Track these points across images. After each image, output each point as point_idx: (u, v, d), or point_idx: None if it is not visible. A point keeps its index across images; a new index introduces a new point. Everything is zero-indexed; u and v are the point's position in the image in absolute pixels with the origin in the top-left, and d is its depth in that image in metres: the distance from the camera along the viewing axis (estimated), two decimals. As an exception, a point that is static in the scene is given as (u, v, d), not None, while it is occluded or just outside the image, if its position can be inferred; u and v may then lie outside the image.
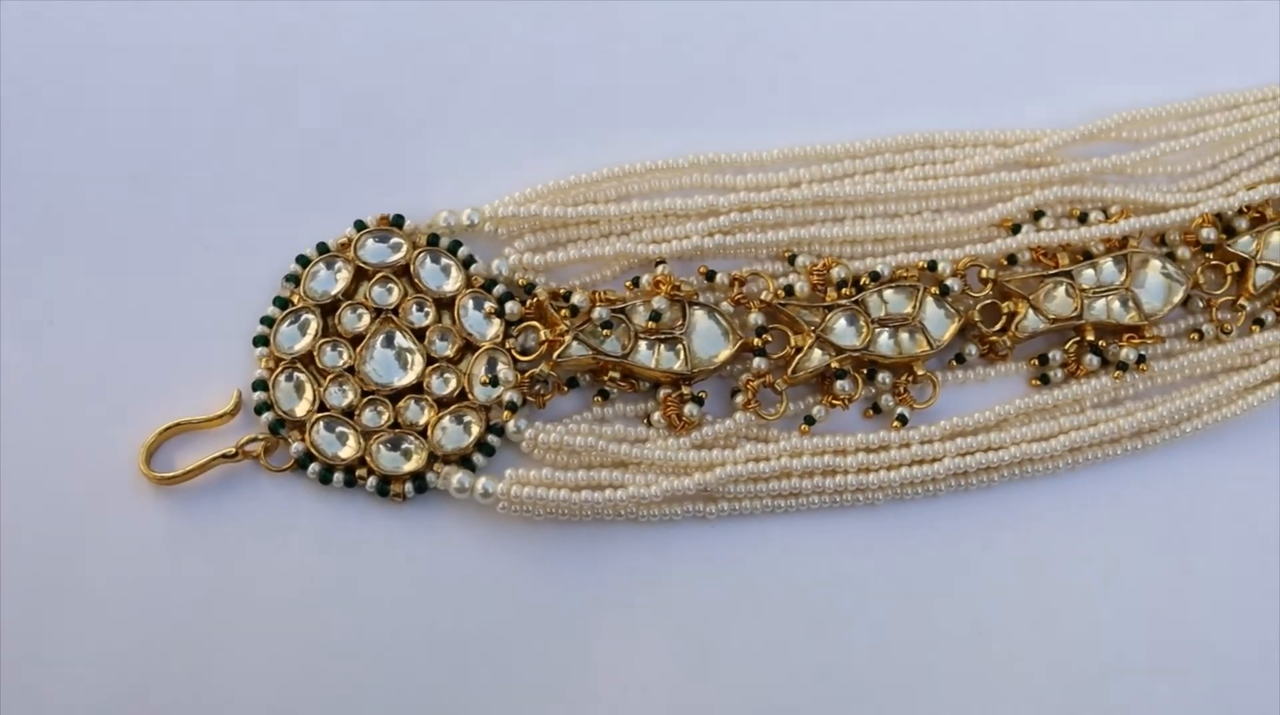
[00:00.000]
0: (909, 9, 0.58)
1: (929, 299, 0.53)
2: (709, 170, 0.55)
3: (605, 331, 0.52)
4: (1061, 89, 0.58)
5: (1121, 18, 0.59)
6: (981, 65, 0.58)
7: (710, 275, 0.54)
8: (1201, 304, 0.56)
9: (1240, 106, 0.58)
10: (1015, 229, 0.55)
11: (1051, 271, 0.54)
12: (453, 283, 0.53)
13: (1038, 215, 0.55)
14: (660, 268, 0.53)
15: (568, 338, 0.52)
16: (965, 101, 0.57)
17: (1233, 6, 0.59)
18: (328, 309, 0.52)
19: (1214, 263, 0.56)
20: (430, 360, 0.52)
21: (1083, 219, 0.56)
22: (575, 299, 0.52)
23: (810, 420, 0.53)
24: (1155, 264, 0.55)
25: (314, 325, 0.52)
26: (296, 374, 0.52)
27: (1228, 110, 0.58)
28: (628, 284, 0.53)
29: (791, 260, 0.54)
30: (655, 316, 0.52)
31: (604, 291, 0.53)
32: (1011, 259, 0.55)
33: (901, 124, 0.57)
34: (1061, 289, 0.54)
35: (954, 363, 0.54)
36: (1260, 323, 0.56)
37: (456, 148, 0.55)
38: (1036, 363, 0.54)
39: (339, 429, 0.51)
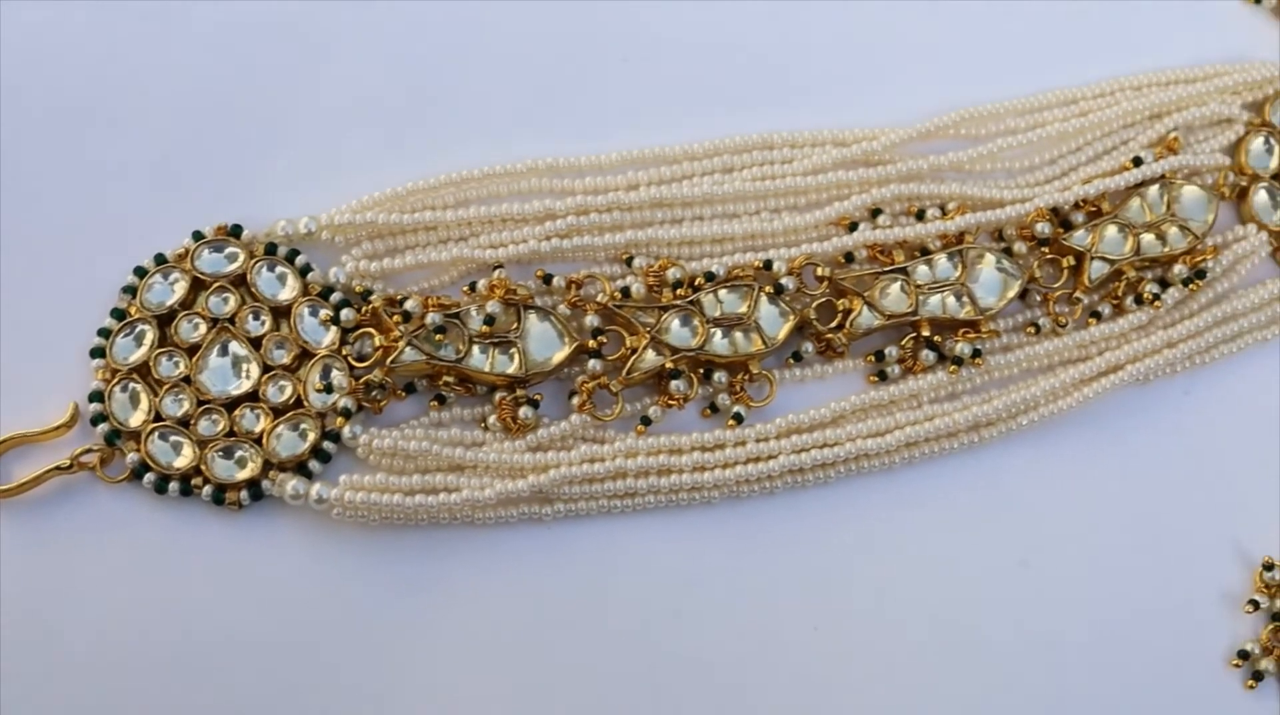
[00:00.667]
0: (747, 10, 0.58)
1: (763, 298, 0.54)
2: (547, 175, 0.55)
3: (439, 336, 0.52)
4: (902, 88, 0.58)
5: (961, 17, 0.59)
6: (821, 66, 0.58)
7: (547, 279, 0.54)
8: (1039, 298, 0.57)
9: (1078, 102, 0.59)
10: (853, 227, 0.56)
11: (887, 268, 0.55)
12: (289, 291, 0.53)
13: (875, 213, 0.56)
14: (497, 272, 0.54)
15: (401, 343, 0.52)
16: (806, 102, 0.58)
17: (1070, 5, 0.60)
18: (165, 320, 0.53)
19: (1050, 257, 0.56)
20: (266, 368, 0.52)
21: (920, 216, 0.56)
22: (409, 305, 0.53)
23: (646, 420, 0.53)
24: (990, 259, 0.55)
25: (150, 336, 0.52)
26: (132, 385, 0.52)
27: (1065, 106, 0.59)
28: (465, 289, 0.54)
29: (629, 262, 0.55)
30: (490, 321, 0.52)
31: (438, 297, 0.53)
32: (849, 257, 0.55)
33: (742, 125, 0.57)
34: (896, 286, 0.55)
35: (791, 361, 0.55)
36: (1097, 315, 0.56)
37: (299, 157, 0.55)
38: (873, 359, 0.55)
39: (174, 438, 0.51)
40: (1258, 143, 0.59)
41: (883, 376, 0.55)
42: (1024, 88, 0.59)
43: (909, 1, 0.59)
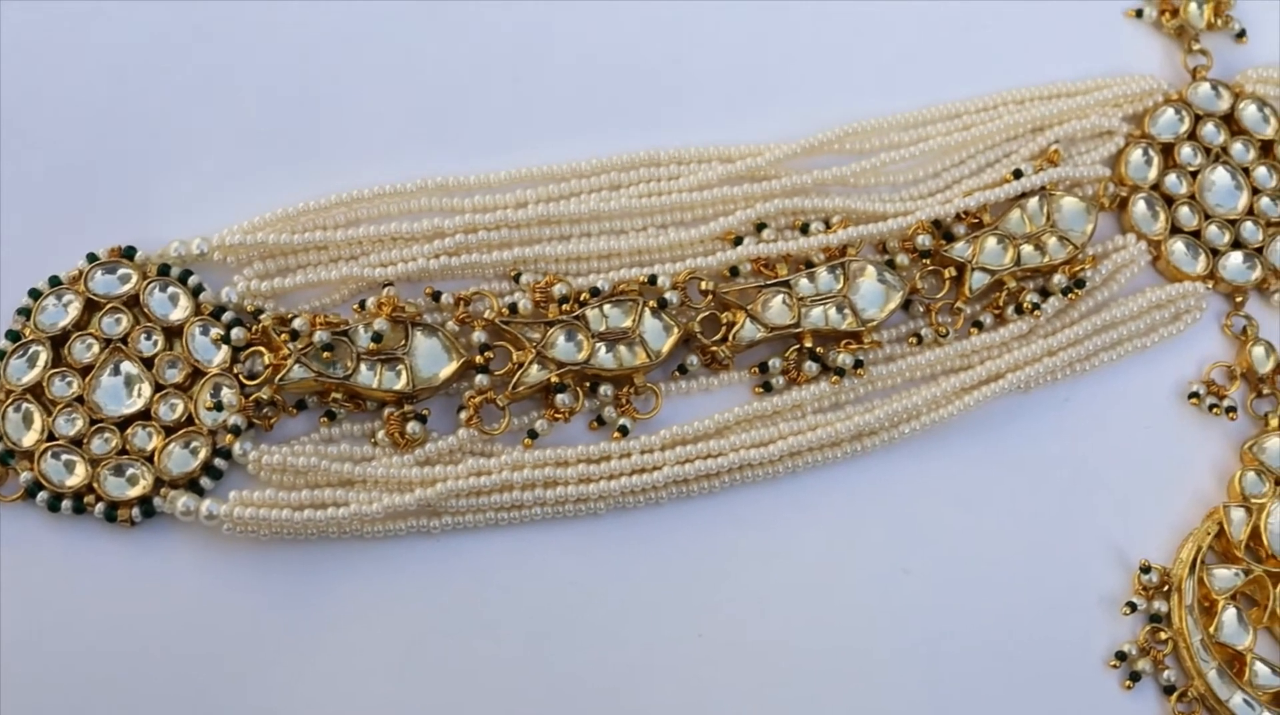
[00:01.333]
0: (635, 30, 0.60)
1: (647, 312, 0.55)
2: (437, 194, 0.56)
3: (327, 354, 0.53)
4: (788, 105, 0.60)
5: (847, 34, 0.61)
6: (709, 84, 0.60)
7: (436, 296, 0.55)
8: (922, 309, 0.58)
9: (961, 116, 0.60)
10: (737, 241, 0.57)
11: (770, 282, 0.56)
12: (181, 311, 0.54)
13: (760, 227, 0.57)
14: (387, 290, 0.55)
15: (290, 361, 0.53)
16: (694, 120, 0.59)
17: (956, 20, 0.61)
18: (59, 341, 0.54)
19: (932, 268, 0.58)
20: (159, 387, 0.53)
21: (804, 230, 0.57)
22: (297, 323, 0.54)
23: (533, 434, 0.54)
24: (871, 271, 0.56)
25: (43, 357, 0.53)
26: (25, 405, 0.53)
27: (949, 120, 0.60)
28: (355, 307, 0.55)
29: (516, 279, 0.56)
30: (377, 338, 0.53)
31: (326, 315, 0.54)
32: (734, 271, 0.56)
33: (631, 143, 0.58)
34: (778, 299, 0.56)
35: (677, 374, 0.56)
36: (979, 325, 0.58)
37: (193, 178, 0.56)
38: (758, 371, 0.56)
39: (66, 457, 0.52)
40: (1137, 154, 0.60)
41: (767, 388, 0.56)
42: (909, 103, 0.60)
43: (794, 20, 0.60)
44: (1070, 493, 0.56)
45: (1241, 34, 0.63)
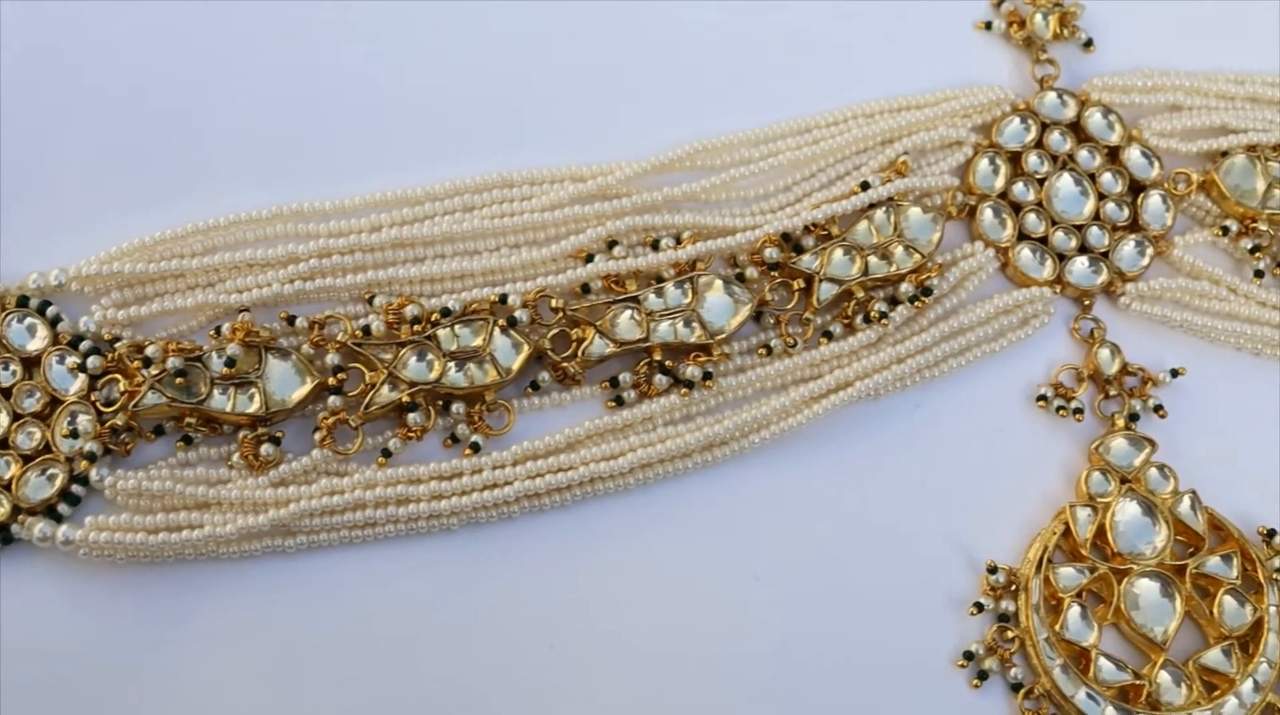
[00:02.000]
0: (492, 56, 0.61)
1: (497, 331, 0.56)
2: (292, 220, 0.58)
3: (180, 380, 0.54)
4: (642, 124, 0.61)
5: (699, 53, 0.62)
6: (563, 106, 0.61)
7: (291, 320, 0.56)
8: (773, 320, 0.59)
9: (812, 130, 0.61)
10: (589, 259, 0.58)
11: (619, 298, 0.57)
12: (39, 341, 0.55)
13: (612, 245, 0.58)
14: (241, 316, 0.56)
15: (143, 388, 0.54)
16: (549, 142, 0.60)
17: (809, 34, 0.63)
18: (-81, 374, 0.55)
19: (781, 280, 0.59)
20: (16, 416, 0.54)
21: (654, 246, 0.59)
22: (150, 351, 0.55)
23: (387, 453, 0.56)
24: (719, 285, 0.58)
25: (-97, 389, 0.54)
26: (-116, 437, 0.54)
27: (800, 134, 0.61)
28: (211, 333, 0.56)
29: (370, 301, 0.57)
30: (230, 362, 0.55)
31: (178, 342, 0.55)
32: (585, 288, 0.58)
33: (487, 167, 0.59)
34: (626, 314, 0.57)
35: (530, 390, 0.57)
36: (829, 335, 0.59)
37: (51, 209, 0.57)
38: (609, 385, 0.57)
39: (-76, 487, 0.53)
40: (984, 163, 0.61)
41: (619, 402, 0.57)
42: (761, 119, 0.61)
43: (646, 39, 0.62)
44: (920, 497, 0.58)
45: (1089, 43, 0.65)
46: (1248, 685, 0.55)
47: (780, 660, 0.55)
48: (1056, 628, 0.56)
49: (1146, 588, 0.56)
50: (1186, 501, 0.57)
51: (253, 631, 0.54)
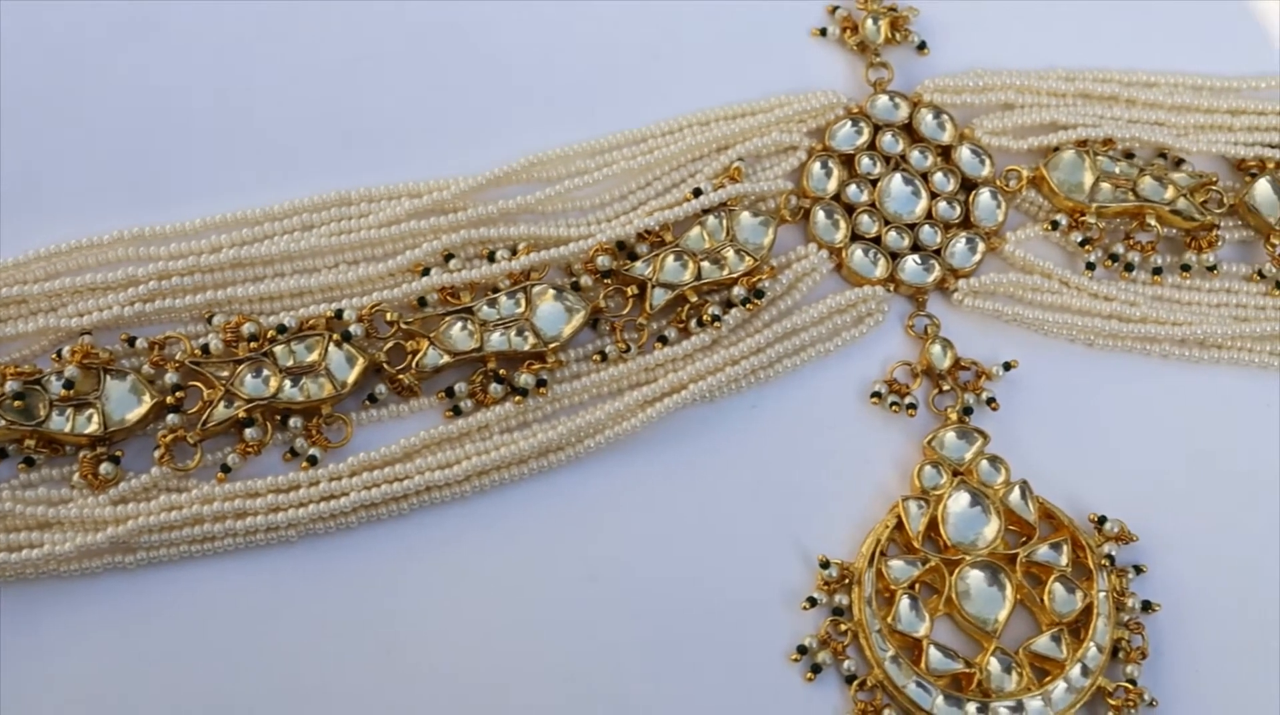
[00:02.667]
0: (329, 75, 0.62)
1: (332, 346, 0.57)
2: (133, 243, 0.59)
3: (18, 402, 0.55)
4: (483, 139, 0.62)
5: (536, 66, 0.63)
6: (397, 123, 0.62)
7: (131, 341, 0.58)
8: (609, 327, 0.60)
9: (647, 140, 0.62)
10: (425, 272, 0.59)
11: (453, 309, 0.58)
12: (-110, 371, 0.57)
13: (448, 258, 0.60)
14: (82, 338, 0.57)
15: (-19, 412, 0.55)
16: (388, 159, 0.62)
17: (645, 45, 0.64)
18: None
19: (615, 287, 0.60)
20: None
21: (491, 258, 0.60)
22: (-12, 375, 0.56)
23: (226, 468, 0.57)
24: (551, 294, 0.59)
25: None
26: None
27: (635, 144, 0.62)
28: (53, 357, 0.57)
29: (210, 320, 0.58)
30: (69, 384, 0.56)
31: (18, 366, 0.57)
32: (422, 301, 0.59)
33: (327, 186, 0.61)
34: (459, 325, 0.58)
35: (368, 402, 0.58)
36: (664, 340, 0.60)
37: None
38: (445, 396, 0.58)
39: None
40: (817, 167, 0.63)
41: (457, 411, 0.58)
42: (597, 130, 0.62)
43: (481, 54, 0.63)
44: (756, 496, 0.59)
45: (922, 46, 0.66)
46: (1076, 670, 0.56)
47: (616, 659, 0.56)
48: (888, 620, 0.57)
49: (977, 578, 0.57)
50: (1017, 492, 0.58)
51: (92, 648, 0.55)
